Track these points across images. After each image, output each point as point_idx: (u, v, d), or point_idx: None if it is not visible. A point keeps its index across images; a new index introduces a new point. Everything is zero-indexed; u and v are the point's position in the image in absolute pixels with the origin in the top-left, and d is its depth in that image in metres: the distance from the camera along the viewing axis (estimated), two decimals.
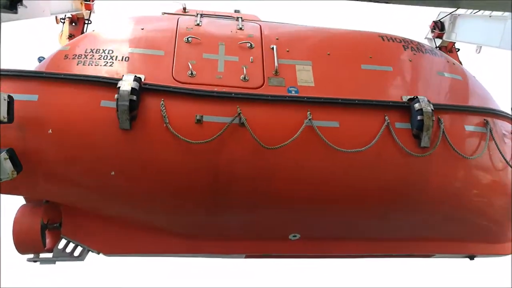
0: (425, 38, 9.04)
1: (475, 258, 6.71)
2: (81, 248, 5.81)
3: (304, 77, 5.63)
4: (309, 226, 5.87)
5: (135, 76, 4.98)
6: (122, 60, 5.45)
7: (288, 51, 5.89)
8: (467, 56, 8.44)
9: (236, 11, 7.54)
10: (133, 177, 5.07)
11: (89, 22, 8.11)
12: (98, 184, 5.17)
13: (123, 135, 4.93)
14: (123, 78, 4.92)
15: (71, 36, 7.81)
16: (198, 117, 4.99)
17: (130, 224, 5.69)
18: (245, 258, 6.32)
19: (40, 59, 5.93)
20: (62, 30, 7.91)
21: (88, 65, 5.40)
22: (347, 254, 6.38)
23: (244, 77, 5.49)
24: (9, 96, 4.50)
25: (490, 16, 7.42)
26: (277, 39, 6.04)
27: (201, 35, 5.90)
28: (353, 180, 5.33)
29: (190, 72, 5.41)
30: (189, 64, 5.44)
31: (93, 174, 5.10)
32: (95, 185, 5.20)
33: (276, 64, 5.62)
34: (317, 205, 5.51)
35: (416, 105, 5.33)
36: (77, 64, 5.40)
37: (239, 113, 5.00)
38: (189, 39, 5.77)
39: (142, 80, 5.11)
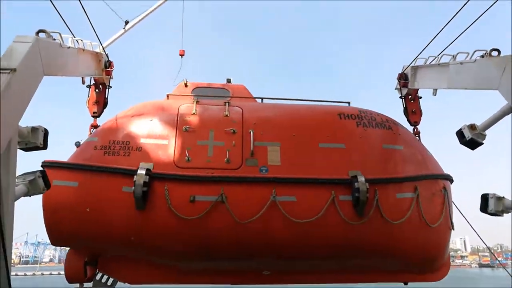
0: (395, 88, 10.32)
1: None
2: (112, 279, 7.80)
3: (273, 157, 7.28)
4: (277, 270, 7.75)
5: (146, 170, 6.75)
6: (136, 150, 7.25)
7: (262, 134, 7.49)
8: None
9: (228, 80, 9.29)
10: (147, 241, 7.01)
11: (110, 87, 9.62)
12: (122, 244, 7.17)
13: (139, 214, 6.86)
14: (138, 172, 6.70)
15: (97, 102, 9.41)
16: (191, 198, 6.81)
17: (146, 262, 7.63)
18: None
19: (77, 144, 7.88)
20: (89, 96, 9.50)
21: (111, 155, 7.22)
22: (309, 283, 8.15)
23: (228, 160, 7.19)
24: (45, 129, 6.10)
25: (439, 65, 8.65)
26: (254, 123, 7.62)
27: (196, 124, 7.56)
28: (306, 242, 7.04)
29: (187, 158, 7.16)
30: (186, 151, 7.18)
31: (118, 238, 7.09)
32: (120, 244, 7.20)
33: (252, 147, 7.28)
34: (281, 260, 7.39)
35: (356, 184, 6.88)
36: (104, 154, 7.23)
37: (221, 194, 6.77)
38: (186, 128, 7.46)
39: (152, 169, 6.89)
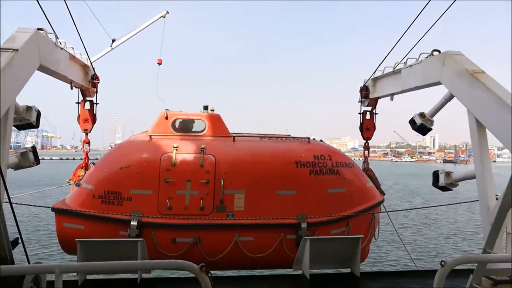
0: (358, 101, 11.47)
1: None
2: None
3: (238, 203, 8.57)
4: None
5: (138, 222, 8.06)
6: (127, 200, 8.33)
7: (230, 183, 8.56)
8: None
9: (204, 107, 10.03)
10: None
11: (97, 103, 10.57)
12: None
13: None
14: (131, 224, 8.01)
15: (86, 120, 10.43)
16: (172, 240, 8.23)
17: None
18: None
19: (77, 184, 8.79)
20: (78, 113, 10.42)
21: (107, 204, 8.27)
22: None
23: (201, 207, 8.40)
24: (38, 110, 6.86)
25: (393, 72, 9.80)
26: (225, 173, 8.60)
27: (175, 176, 8.49)
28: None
29: (168, 206, 8.29)
30: (167, 201, 8.33)
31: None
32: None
33: (221, 196, 8.50)
34: None
35: (299, 232, 8.43)
36: (101, 203, 8.28)
37: (196, 237, 8.24)
38: (167, 180, 8.40)
39: (141, 216, 8.17)
